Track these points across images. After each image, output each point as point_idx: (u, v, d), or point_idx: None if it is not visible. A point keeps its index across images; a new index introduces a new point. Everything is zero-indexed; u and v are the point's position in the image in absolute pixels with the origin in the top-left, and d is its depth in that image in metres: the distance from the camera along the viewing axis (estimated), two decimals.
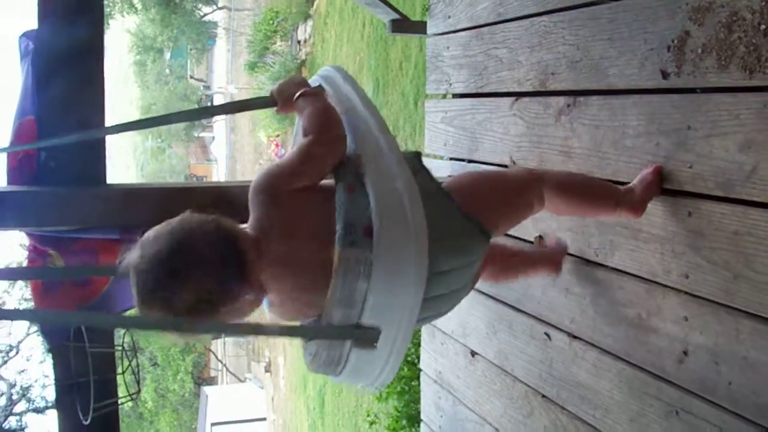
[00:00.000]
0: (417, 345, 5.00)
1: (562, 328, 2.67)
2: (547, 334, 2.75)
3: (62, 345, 2.88)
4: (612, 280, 2.39)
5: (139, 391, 3.16)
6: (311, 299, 1.78)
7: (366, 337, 1.68)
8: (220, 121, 38.79)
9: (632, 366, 2.32)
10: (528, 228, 2.80)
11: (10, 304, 23.17)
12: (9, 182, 2.77)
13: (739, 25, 1.90)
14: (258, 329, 1.80)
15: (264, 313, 1.94)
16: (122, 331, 3.33)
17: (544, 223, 2.72)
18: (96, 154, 2.85)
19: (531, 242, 2.78)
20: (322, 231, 1.72)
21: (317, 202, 1.78)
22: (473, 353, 3.30)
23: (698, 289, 2.05)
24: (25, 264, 3.01)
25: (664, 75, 2.13)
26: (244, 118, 28.34)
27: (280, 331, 2.04)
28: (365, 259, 1.63)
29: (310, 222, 1.77)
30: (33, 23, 2.79)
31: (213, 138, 42.05)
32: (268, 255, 1.74)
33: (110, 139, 3.25)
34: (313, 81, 2.04)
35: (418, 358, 4.03)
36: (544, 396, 2.80)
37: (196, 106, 36.62)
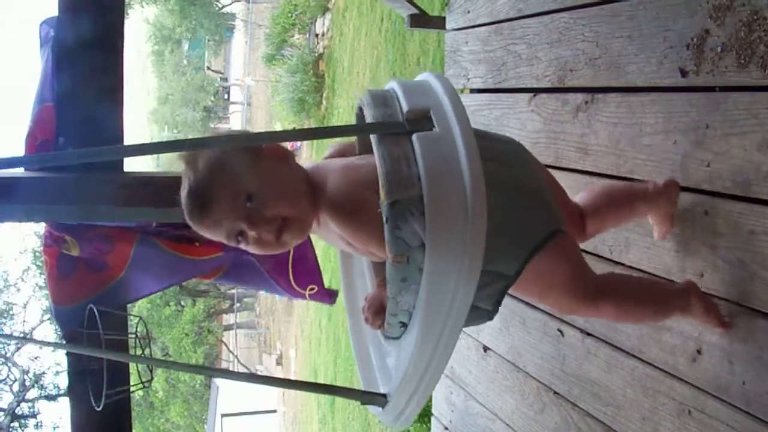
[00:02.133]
0: None
1: (575, 325, 2.67)
2: (560, 331, 2.74)
3: (76, 332, 2.89)
4: None
5: (151, 379, 3.17)
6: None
7: None
8: (236, 113, 38.86)
9: (645, 364, 2.32)
10: None
11: (25, 292, 23.36)
12: (26, 169, 2.79)
13: (759, 24, 1.89)
14: None
15: None
16: (135, 320, 3.35)
17: None
18: (113, 141, 2.86)
19: None
20: None
21: None
22: (485, 348, 3.30)
23: (713, 288, 2.04)
24: (40, 251, 3.04)
25: (683, 73, 2.12)
26: (260, 109, 28.38)
27: None
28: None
29: None
30: (53, 10, 2.80)
31: (229, 129, 42.13)
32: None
33: (126, 129, 3.24)
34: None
35: None
36: (556, 392, 2.80)
37: (212, 99, 36.72)
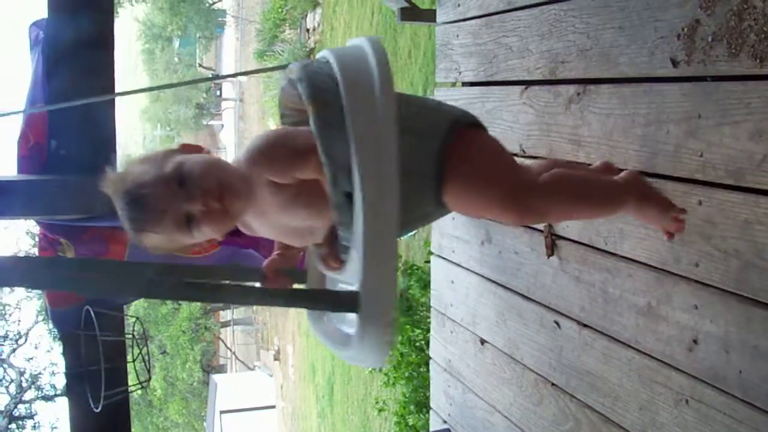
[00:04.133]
0: (426, 331, 5.01)
1: (571, 317, 2.67)
2: (556, 323, 2.75)
3: (73, 333, 2.90)
4: (621, 269, 2.39)
5: (149, 379, 3.18)
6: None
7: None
8: (228, 109, 38.80)
9: (642, 354, 2.32)
10: None
11: (19, 292, 23.29)
12: (19, 170, 2.79)
13: (749, 13, 1.89)
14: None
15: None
16: (132, 320, 3.35)
17: None
18: (106, 142, 2.86)
19: (541, 230, 2.78)
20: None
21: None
22: (483, 341, 3.30)
23: (708, 278, 2.04)
24: (35, 251, 3.04)
25: (674, 63, 2.12)
26: (253, 105, 28.34)
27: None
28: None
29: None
30: (42, 12, 2.80)
31: (222, 126, 42.09)
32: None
33: (119, 128, 3.27)
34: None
35: (427, 343, 4.04)
36: (553, 384, 2.81)
37: (204, 96, 36.69)
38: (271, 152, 1.76)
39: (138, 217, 1.69)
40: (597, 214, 2.23)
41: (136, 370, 3.37)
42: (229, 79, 39.36)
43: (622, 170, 2.24)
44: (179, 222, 1.69)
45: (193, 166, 1.71)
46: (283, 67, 1.99)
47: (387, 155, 1.54)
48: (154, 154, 1.78)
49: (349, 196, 1.60)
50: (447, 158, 1.84)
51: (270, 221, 1.84)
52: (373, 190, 1.52)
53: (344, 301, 1.58)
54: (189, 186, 1.68)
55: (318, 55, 1.84)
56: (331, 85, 1.66)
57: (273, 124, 19.51)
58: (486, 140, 1.98)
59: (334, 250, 1.77)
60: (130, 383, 3.14)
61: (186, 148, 1.80)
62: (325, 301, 1.66)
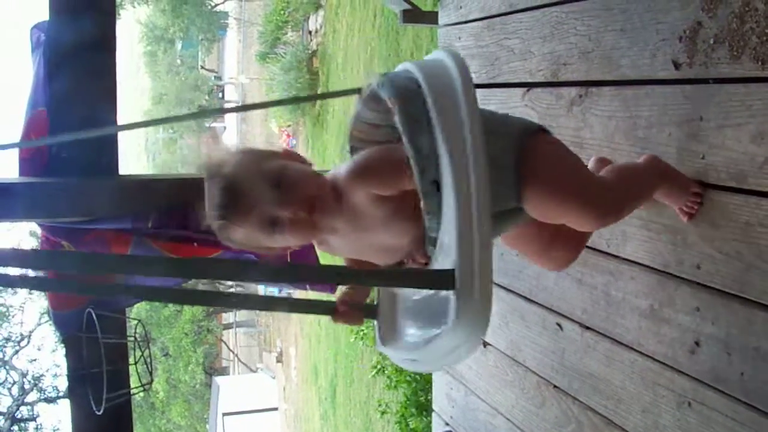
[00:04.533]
0: None
1: (574, 319, 2.67)
2: (558, 325, 2.75)
3: (75, 336, 2.89)
4: (624, 271, 2.39)
5: (151, 382, 3.18)
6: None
7: None
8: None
9: (644, 356, 2.32)
10: None
11: (22, 294, 23.32)
12: (21, 173, 2.78)
13: (751, 16, 1.89)
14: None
15: None
16: (134, 322, 3.35)
17: None
18: (108, 144, 2.86)
19: None
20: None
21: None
22: (485, 344, 3.30)
23: (710, 280, 2.04)
24: None
25: (676, 66, 2.12)
26: None
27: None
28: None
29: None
30: (44, 14, 2.80)
31: (224, 128, 42.08)
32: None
33: (120, 131, 3.27)
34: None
35: None
36: (556, 386, 2.80)
37: (206, 98, 36.71)
38: (377, 165, 1.80)
39: (228, 205, 1.70)
40: (646, 201, 2.22)
41: (138, 373, 3.37)
42: (231, 81, 39.37)
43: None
44: (264, 222, 1.69)
45: (293, 173, 1.73)
46: (356, 91, 1.99)
47: (473, 139, 1.55)
48: (258, 149, 1.81)
49: (436, 184, 1.62)
50: (522, 165, 1.84)
51: (358, 239, 1.85)
52: (463, 171, 1.52)
53: (440, 280, 1.55)
54: (284, 191, 1.70)
55: (396, 68, 1.86)
56: (413, 85, 1.70)
57: (275, 126, 19.54)
58: (555, 145, 1.98)
59: (421, 246, 1.76)
60: (132, 385, 3.14)
61: (287, 154, 1.81)
62: (421, 280, 1.63)
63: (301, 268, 1.86)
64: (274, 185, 1.69)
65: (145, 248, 2.78)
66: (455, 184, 1.52)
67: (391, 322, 1.85)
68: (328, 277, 1.77)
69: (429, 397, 4.06)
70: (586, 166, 2.15)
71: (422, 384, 5.83)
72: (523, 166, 1.83)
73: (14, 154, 2.78)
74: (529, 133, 1.89)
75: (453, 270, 1.48)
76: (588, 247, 2.54)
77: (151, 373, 3.22)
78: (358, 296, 1.95)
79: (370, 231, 1.82)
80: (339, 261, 1.98)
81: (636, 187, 2.11)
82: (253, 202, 1.69)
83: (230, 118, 39.45)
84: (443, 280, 1.49)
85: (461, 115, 1.59)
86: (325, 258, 2.67)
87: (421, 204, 1.65)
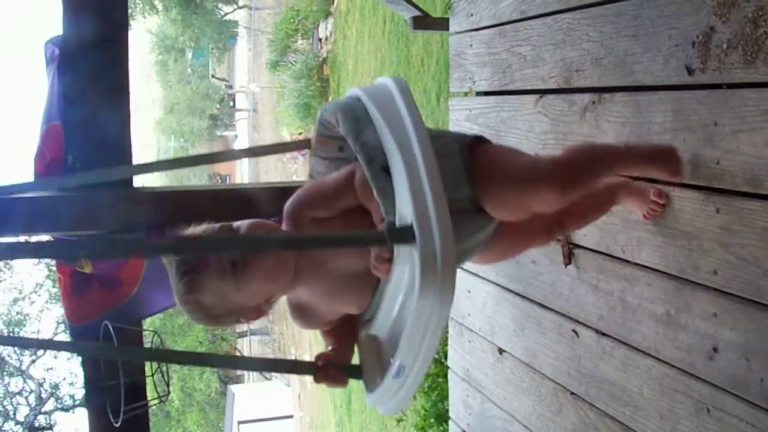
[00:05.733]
0: (444, 343, 5.00)
1: (590, 325, 2.66)
2: (575, 331, 2.74)
3: None
4: (639, 277, 2.38)
5: (168, 393, 3.18)
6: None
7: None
8: (242, 120, 38.90)
9: (661, 363, 2.31)
10: None
11: (38, 304, 23.40)
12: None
13: (765, 20, 1.88)
14: None
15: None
16: (151, 335, 3.36)
17: None
18: (122, 156, 2.87)
19: (558, 239, 2.78)
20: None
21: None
22: (501, 351, 3.30)
23: (727, 286, 2.04)
24: (54, 265, 3.06)
25: (690, 71, 2.12)
26: (266, 115, 28.40)
27: None
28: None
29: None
30: (58, 29, 2.81)
31: (236, 137, 42.19)
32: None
33: (133, 139, 3.27)
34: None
35: (446, 355, 4.03)
36: (572, 393, 2.80)
37: (218, 107, 36.81)
38: (307, 191, 1.88)
39: (187, 261, 1.73)
40: (605, 169, 2.23)
41: (154, 382, 3.38)
42: (242, 90, 39.45)
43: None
44: (225, 266, 1.72)
45: (244, 222, 1.80)
46: (305, 143, 2.11)
47: (414, 125, 1.62)
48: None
49: (386, 170, 1.67)
50: (472, 172, 1.88)
51: (327, 276, 1.86)
52: (409, 149, 1.59)
53: (399, 234, 1.55)
54: (237, 232, 1.76)
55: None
56: (352, 100, 1.81)
57: (287, 134, 19.57)
58: (497, 146, 2.08)
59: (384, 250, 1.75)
60: (148, 396, 3.15)
61: (257, 226, 1.86)
62: (379, 238, 1.62)
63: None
64: (229, 230, 1.79)
65: (161, 261, 2.78)
66: (404, 160, 1.57)
67: (377, 376, 1.79)
68: (272, 244, 1.76)
69: (447, 406, 4.05)
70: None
71: (441, 394, 5.82)
72: (474, 178, 1.88)
73: (30, 167, 2.80)
74: (468, 144, 1.95)
75: (411, 223, 1.51)
76: (603, 253, 2.54)
77: (168, 385, 3.23)
78: (339, 356, 1.95)
79: (334, 260, 1.84)
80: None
81: (586, 153, 2.17)
82: (206, 261, 1.73)
83: (242, 127, 39.53)
84: (402, 233, 1.53)
85: (400, 110, 1.68)
86: None
87: (374, 193, 1.70)
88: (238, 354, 33.39)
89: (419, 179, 1.54)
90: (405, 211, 1.58)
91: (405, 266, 1.63)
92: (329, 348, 2.00)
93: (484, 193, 1.89)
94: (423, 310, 1.53)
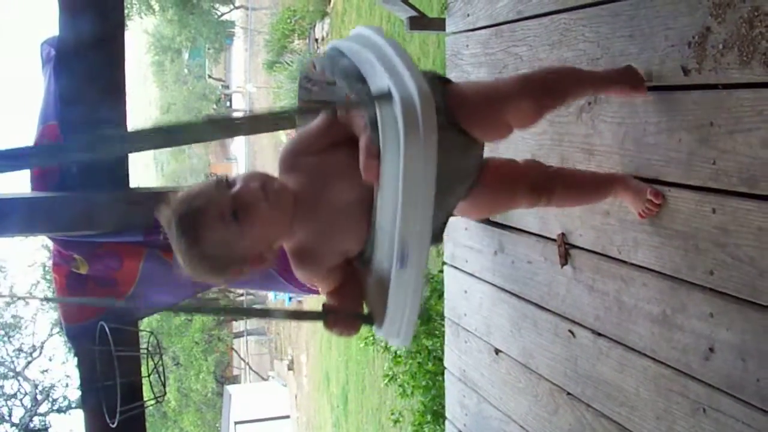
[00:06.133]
0: (442, 340, 5.02)
1: (586, 326, 2.66)
2: (571, 332, 2.74)
3: (88, 349, 2.90)
4: (636, 277, 2.39)
5: (164, 394, 3.18)
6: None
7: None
8: None
9: (657, 363, 2.31)
10: (550, 224, 2.80)
11: (33, 305, 23.36)
12: (33, 189, 2.79)
13: (761, 21, 1.89)
14: None
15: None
16: (147, 334, 3.35)
17: (567, 221, 2.71)
18: (118, 158, 2.87)
19: (554, 239, 2.78)
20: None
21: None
22: (497, 351, 3.30)
23: (723, 286, 2.04)
24: (49, 266, 3.06)
25: (685, 71, 2.12)
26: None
27: None
28: None
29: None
30: (54, 30, 2.81)
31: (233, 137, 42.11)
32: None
33: (128, 124, 3.29)
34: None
35: (443, 353, 4.03)
36: (569, 393, 2.80)
37: (214, 107, 36.78)
38: (296, 137, 1.97)
39: (186, 214, 1.74)
40: (575, 85, 2.31)
41: (150, 383, 3.37)
42: (238, 90, 39.42)
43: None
44: (225, 215, 1.73)
45: (240, 174, 1.83)
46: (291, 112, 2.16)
47: (388, 40, 1.79)
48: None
49: (363, 80, 1.78)
50: (448, 98, 1.95)
51: (322, 222, 1.88)
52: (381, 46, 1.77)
53: (378, 97, 1.67)
54: (233, 184, 1.77)
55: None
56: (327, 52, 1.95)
57: (283, 134, 19.55)
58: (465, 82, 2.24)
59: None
60: (145, 397, 3.14)
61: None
62: (360, 101, 1.74)
63: None
64: (226, 185, 1.78)
65: (157, 261, 2.79)
66: (376, 55, 1.74)
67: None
68: None
69: (443, 403, 4.06)
70: None
71: (438, 391, 5.82)
72: (448, 94, 1.96)
73: (26, 173, 2.80)
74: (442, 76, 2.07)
75: (388, 88, 1.65)
76: (599, 253, 2.54)
77: (164, 385, 3.23)
78: (348, 303, 1.96)
79: (328, 189, 1.87)
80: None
81: (555, 68, 2.42)
82: (208, 199, 1.75)
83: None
84: (381, 97, 1.66)
85: (370, 36, 1.85)
86: None
87: (353, 98, 1.81)
88: (234, 354, 33.42)
89: (391, 61, 1.71)
90: (381, 84, 1.71)
91: (393, 171, 1.68)
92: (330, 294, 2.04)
93: (462, 112, 1.95)
94: (410, 168, 1.63)
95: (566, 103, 2.41)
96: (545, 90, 2.09)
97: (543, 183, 2.26)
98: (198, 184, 1.83)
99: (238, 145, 39.56)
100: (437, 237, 2.08)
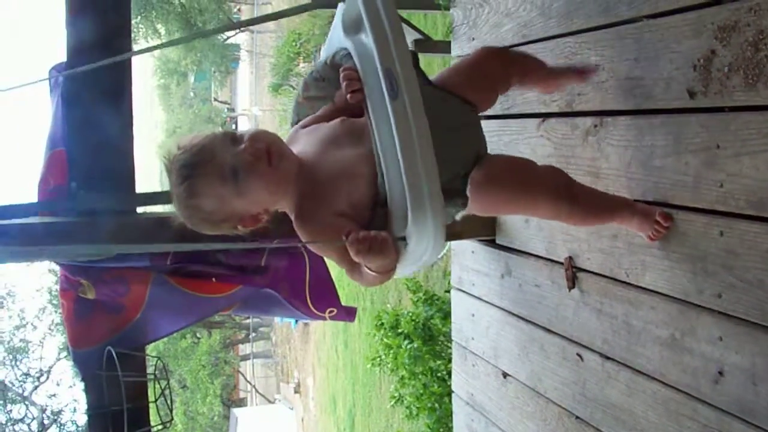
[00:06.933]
0: (447, 361, 4.99)
1: (594, 349, 2.65)
2: (579, 355, 2.73)
3: (95, 374, 2.89)
4: (644, 301, 2.38)
5: (171, 419, 3.17)
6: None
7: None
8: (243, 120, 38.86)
9: (667, 386, 2.30)
10: (557, 247, 2.80)
11: (41, 330, 23.36)
12: (39, 196, 2.81)
13: (765, 44, 1.89)
14: None
15: None
16: (154, 360, 3.35)
17: (574, 244, 2.71)
18: (126, 181, 2.88)
19: (561, 262, 2.77)
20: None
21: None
22: (505, 375, 3.29)
23: (732, 309, 2.03)
24: (56, 290, 3.06)
25: (691, 94, 2.12)
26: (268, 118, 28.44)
27: None
28: None
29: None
30: (63, 56, 2.82)
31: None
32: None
33: (136, 164, 3.29)
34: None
35: (449, 373, 4.02)
36: (578, 417, 2.79)
37: (220, 128, 36.87)
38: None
39: (188, 164, 1.77)
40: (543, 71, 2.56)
41: (157, 407, 3.37)
42: (244, 113, 39.53)
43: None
44: (225, 172, 1.76)
45: (249, 130, 1.87)
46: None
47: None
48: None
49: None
50: None
51: (326, 166, 1.90)
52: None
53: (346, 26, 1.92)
54: (240, 141, 1.80)
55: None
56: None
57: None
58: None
59: None
60: (152, 422, 3.13)
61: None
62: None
63: None
64: (230, 140, 1.81)
65: (164, 285, 2.78)
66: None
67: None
68: None
69: (451, 426, 4.04)
70: None
71: (444, 412, 5.79)
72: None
73: (34, 193, 2.80)
74: None
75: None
76: (607, 276, 2.54)
77: (171, 411, 3.22)
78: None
79: (332, 148, 1.93)
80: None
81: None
82: (210, 153, 1.78)
83: (243, 127, 39.53)
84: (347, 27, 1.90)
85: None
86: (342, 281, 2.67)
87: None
88: (241, 377, 33.35)
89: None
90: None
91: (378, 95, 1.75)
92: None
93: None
94: (384, 53, 1.75)
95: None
96: (506, 51, 2.46)
97: (567, 186, 2.19)
98: (206, 134, 1.85)
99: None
100: (457, 192, 2.01)
